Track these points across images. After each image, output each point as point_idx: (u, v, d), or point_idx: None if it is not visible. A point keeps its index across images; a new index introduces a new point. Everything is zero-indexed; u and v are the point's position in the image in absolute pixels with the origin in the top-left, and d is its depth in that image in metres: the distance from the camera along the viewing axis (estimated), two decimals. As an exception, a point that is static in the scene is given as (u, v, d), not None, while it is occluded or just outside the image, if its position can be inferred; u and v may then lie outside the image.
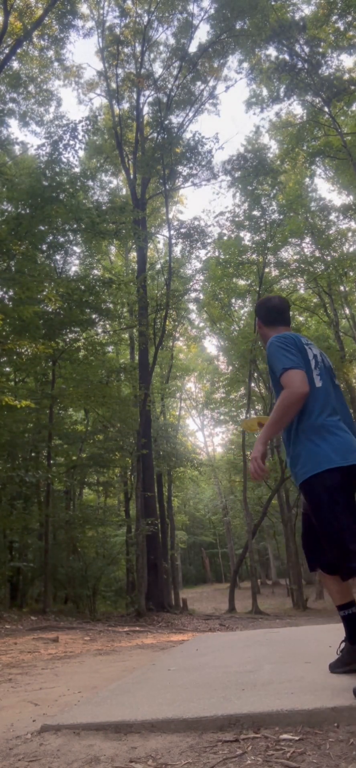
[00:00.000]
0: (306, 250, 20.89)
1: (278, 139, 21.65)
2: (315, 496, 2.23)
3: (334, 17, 17.04)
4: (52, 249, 13.93)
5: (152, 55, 19.10)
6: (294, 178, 21.20)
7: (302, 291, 21.66)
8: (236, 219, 18.66)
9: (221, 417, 27.98)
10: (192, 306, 21.26)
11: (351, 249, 20.48)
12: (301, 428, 2.30)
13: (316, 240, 19.72)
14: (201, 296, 20.43)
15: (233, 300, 21.96)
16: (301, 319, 22.45)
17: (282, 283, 20.61)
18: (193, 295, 20.17)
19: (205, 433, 40.82)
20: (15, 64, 16.80)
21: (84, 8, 18.00)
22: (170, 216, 20.01)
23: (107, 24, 18.37)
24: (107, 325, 16.70)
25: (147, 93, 18.74)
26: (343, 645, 2.44)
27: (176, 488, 25.00)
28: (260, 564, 36.48)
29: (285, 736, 1.78)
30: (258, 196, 18.03)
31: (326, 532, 2.20)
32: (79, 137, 11.95)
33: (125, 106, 19.55)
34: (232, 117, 64.08)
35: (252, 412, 22.21)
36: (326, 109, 17.69)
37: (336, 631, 2.74)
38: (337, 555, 2.18)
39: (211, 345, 42.80)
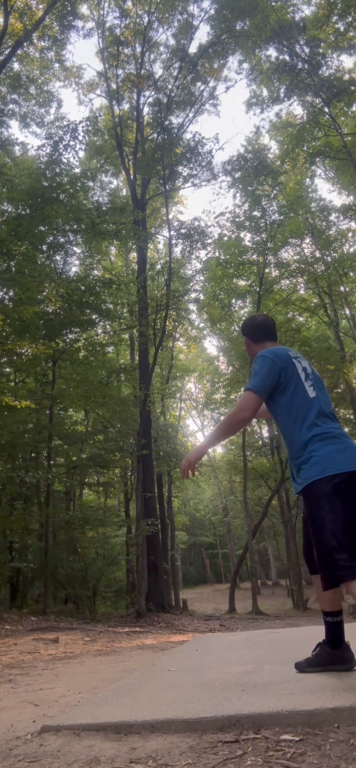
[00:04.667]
0: (306, 250, 20.92)
1: (278, 140, 21.67)
2: (315, 502, 2.22)
3: (334, 18, 17.06)
4: (53, 249, 13.94)
5: (152, 56, 19.13)
6: (295, 178, 21.20)
7: (302, 291, 21.66)
8: (237, 219, 18.65)
9: (222, 417, 27.93)
10: (192, 306, 21.26)
11: (352, 249, 20.50)
12: (301, 438, 2.32)
13: (316, 240, 19.73)
14: (201, 297, 20.42)
15: (233, 300, 21.95)
16: (301, 319, 22.44)
17: (282, 284, 20.61)
18: (193, 295, 20.16)
19: (205, 433, 40.86)
20: (16, 65, 16.82)
21: (84, 9, 18.04)
22: (170, 216, 20.03)
23: (107, 25, 18.41)
24: (107, 326, 16.70)
25: (147, 93, 18.77)
26: (318, 648, 2.54)
27: (176, 489, 24.97)
28: (261, 565, 36.47)
29: (285, 736, 1.77)
30: (259, 197, 18.02)
31: (317, 538, 2.21)
32: (80, 138, 11.95)
33: (125, 106, 19.60)
34: (232, 118, 64.20)
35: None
36: (326, 110, 17.71)
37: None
38: (323, 562, 2.19)
39: (211, 345, 42.83)
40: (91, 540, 14.85)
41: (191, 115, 18.72)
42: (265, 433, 24.29)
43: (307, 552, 2.52)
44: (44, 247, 13.36)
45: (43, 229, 12.19)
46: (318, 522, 2.20)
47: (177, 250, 18.84)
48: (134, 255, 21.08)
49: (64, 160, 12.01)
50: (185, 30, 18.39)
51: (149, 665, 3.69)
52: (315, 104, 18.21)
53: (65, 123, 12.63)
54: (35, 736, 2.10)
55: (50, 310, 12.82)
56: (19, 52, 15.80)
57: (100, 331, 16.45)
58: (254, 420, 24.39)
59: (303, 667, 2.58)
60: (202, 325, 24.61)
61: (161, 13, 18.37)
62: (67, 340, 14.15)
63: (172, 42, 18.78)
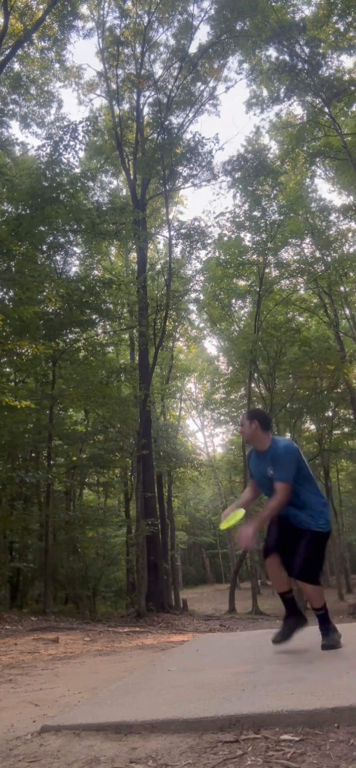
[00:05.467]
0: (306, 250, 20.89)
1: (278, 140, 21.64)
2: (320, 544, 3.25)
3: (334, 18, 17.03)
4: (53, 249, 13.92)
5: (152, 56, 19.10)
6: (295, 178, 21.19)
7: (302, 291, 21.64)
8: (237, 219, 18.63)
9: (222, 417, 27.91)
10: (192, 306, 21.24)
11: (352, 249, 20.49)
12: (318, 500, 3.32)
13: (316, 240, 19.71)
14: (201, 297, 20.40)
15: (233, 300, 21.92)
16: (301, 319, 22.42)
17: (282, 284, 20.59)
18: (193, 295, 20.14)
19: (205, 433, 40.78)
20: (16, 66, 16.80)
21: (84, 9, 17.99)
22: (171, 217, 20.00)
23: (107, 25, 18.36)
24: (107, 326, 16.69)
25: (147, 94, 18.73)
26: (285, 621, 3.40)
27: (176, 489, 24.95)
28: (261, 565, 36.34)
29: (285, 736, 1.78)
30: (259, 197, 18.00)
31: (306, 556, 3.17)
32: (80, 138, 11.93)
33: (125, 106, 19.56)
34: (232, 118, 64.25)
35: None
36: (326, 110, 17.68)
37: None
38: (304, 570, 3.15)
39: (211, 345, 42.78)
40: (91, 540, 14.86)
41: (191, 115, 18.71)
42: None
43: (277, 546, 3.31)
44: (44, 247, 13.35)
45: (43, 229, 12.17)
46: (311, 548, 3.19)
47: (177, 250, 18.84)
48: (134, 255, 21.06)
49: (64, 161, 11.99)
50: (185, 30, 18.36)
51: (149, 665, 3.69)
52: (315, 104, 18.19)
53: (65, 123, 12.63)
54: (35, 736, 2.10)
55: (50, 310, 12.81)
56: (19, 52, 15.79)
57: (100, 331, 16.44)
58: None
59: (277, 637, 3.35)
60: (202, 325, 24.60)
61: (161, 13, 18.35)
62: (67, 340, 14.14)
63: (172, 42, 18.77)
